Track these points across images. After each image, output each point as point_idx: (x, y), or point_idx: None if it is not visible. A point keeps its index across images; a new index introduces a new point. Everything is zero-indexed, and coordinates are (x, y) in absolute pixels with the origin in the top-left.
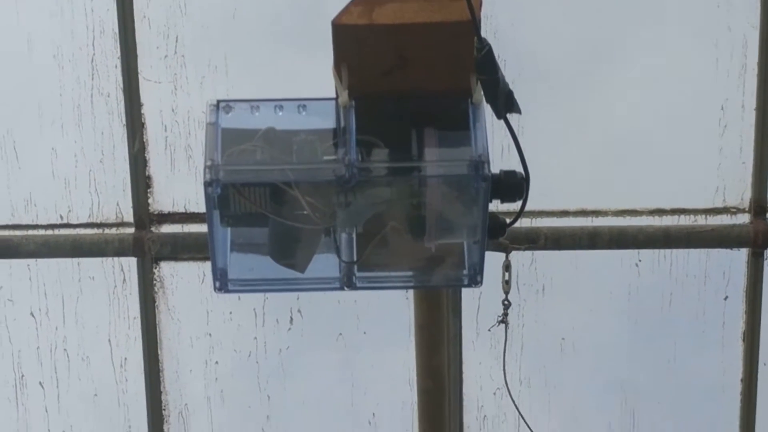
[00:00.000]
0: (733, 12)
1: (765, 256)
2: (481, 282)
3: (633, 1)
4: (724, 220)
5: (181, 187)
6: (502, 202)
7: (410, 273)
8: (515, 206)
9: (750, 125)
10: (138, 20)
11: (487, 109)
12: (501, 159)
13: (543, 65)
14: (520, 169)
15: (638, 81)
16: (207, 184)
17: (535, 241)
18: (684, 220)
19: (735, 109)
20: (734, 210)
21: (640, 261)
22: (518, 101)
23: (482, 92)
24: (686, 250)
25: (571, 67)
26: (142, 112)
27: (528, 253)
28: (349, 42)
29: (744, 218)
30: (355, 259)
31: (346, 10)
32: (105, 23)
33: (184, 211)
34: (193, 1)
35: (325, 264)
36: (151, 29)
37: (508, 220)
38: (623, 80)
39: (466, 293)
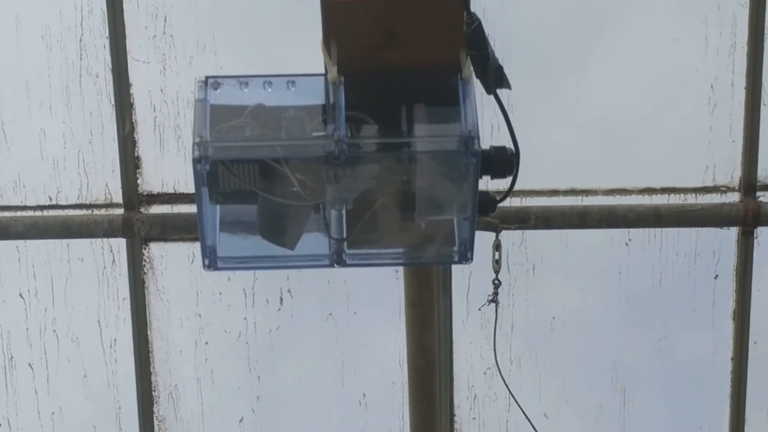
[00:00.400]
0: None
1: (755, 235)
2: (471, 258)
3: None
4: (714, 198)
5: (170, 168)
6: (492, 178)
7: (400, 250)
8: (506, 184)
9: (740, 104)
10: (126, 0)
11: (477, 85)
12: (491, 138)
13: (532, 44)
14: (510, 145)
15: (628, 60)
16: (196, 161)
17: (525, 220)
18: (674, 199)
19: (725, 87)
20: (724, 189)
21: (630, 240)
22: (508, 77)
23: (472, 68)
24: (676, 229)
25: (560, 46)
26: (131, 92)
27: (518, 232)
28: (339, 17)
29: (734, 197)
30: (344, 236)
31: None
32: (93, 3)
33: (173, 191)
34: None
35: (314, 241)
36: (140, 9)
37: (498, 197)
38: (613, 59)
39: (457, 273)
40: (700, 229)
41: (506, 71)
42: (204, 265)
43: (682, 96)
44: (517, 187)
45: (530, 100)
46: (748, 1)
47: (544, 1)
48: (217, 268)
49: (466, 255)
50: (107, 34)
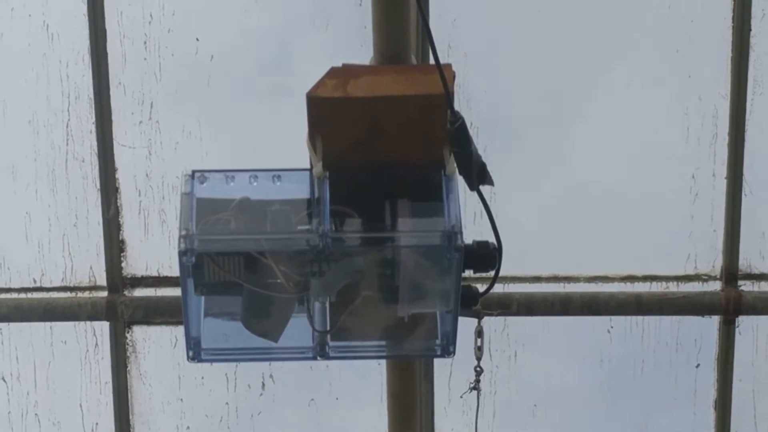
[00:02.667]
0: (703, 82)
1: (736, 324)
2: (454, 352)
3: (603, 72)
4: (696, 287)
5: (154, 251)
6: (475, 272)
7: (383, 342)
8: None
9: (721, 193)
10: (113, 86)
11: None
12: (474, 225)
13: (516, 132)
14: (492, 238)
15: (610, 149)
16: (182, 253)
17: (507, 306)
18: (656, 287)
19: (706, 177)
20: (706, 277)
21: (612, 327)
22: (491, 173)
23: (455, 164)
24: (658, 317)
25: (542, 133)
26: (117, 176)
27: (500, 318)
28: (324, 114)
29: (715, 285)
30: (328, 328)
31: (320, 83)
32: (80, 89)
33: (157, 275)
34: (168, 67)
35: (298, 333)
36: (126, 95)
37: (480, 290)
38: (595, 149)
39: (439, 359)
40: (681, 317)
41: (488, 156)
42: (188, 357)
43: (663, 184)
44: (499, 273)
45: (514, 184)
46: (729, 93)
47: (525, 88)
48: (201, 360)
49: (448, 348)
50: (94, 119)
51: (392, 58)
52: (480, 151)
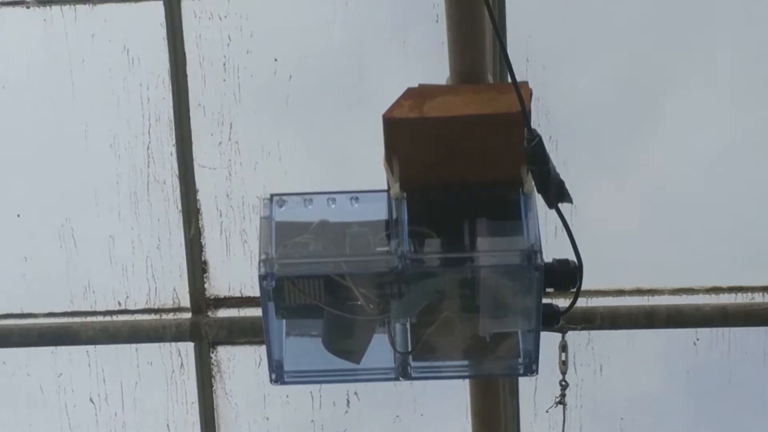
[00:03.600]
0: None
1: None
2: (536, 371)
3: (682, 81)
4: None
5: (236, 272)
6: (556, 290)
7: (465, 362)
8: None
9: None
10: (193, 108)
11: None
12: (554, 239)
13: (595, 143)
14: (572, 256)
15: (692, 159)
16: (262, 278)
17: (591, 321)
18: (741, 298)
19: None
20: None
21: (698, 339)
22: (569, 190)
23: (533, 182)
24: (745, 328)
25: (622, 144)
26: (198, 198)
27: (584, 332)
28: (401, 135)
29: None
30: (409, 349)
31: (397, 104)
32: (161, 112)
33: (240, 295)
34: (247, 88)
35: (380, 354)
36: (206, 117)
37: (562, 307)
38: (676, 159)
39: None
40: None
41: (570, 171)
42: (271, 380)
43: (747, 193)
44: (583, 288)
45: (595, 196)
46: None
47: (606, 94)
48: (284, 383)
49: (531, 367)
50: (174, 141)
51: (469, 77)
52: (558, 168)
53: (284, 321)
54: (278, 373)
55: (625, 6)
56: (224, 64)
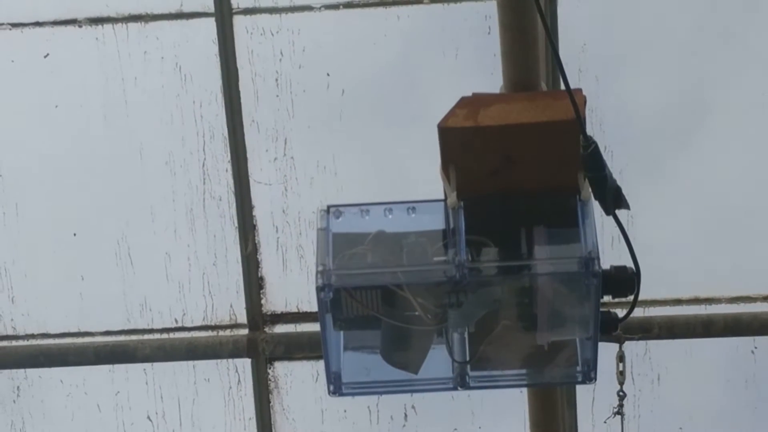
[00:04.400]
0: None
1: None
2: (595, 378)
3: (735, 89)
4: None
5: (293, 287)
6: (614, 297)
7: (523, 371)
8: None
9: None
10: (247, 124)
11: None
12: (612, 249)
13: (650, 152)
14: (630, 263)
15: (747, 166)
16: (319, 289)
17: (648, 330)
18: None
19: None
20: None
21: (756, 348)
22: (626, 197)
23: (590, 189)
24: None
25: (677, 152)
26: (254, 214)
27: (642, 342)
28: (456, 144)
29: None
30: (467, 358)
31: (451, 113)
32: (215, 128)
33: (296, 310)
34: (300, 103)
35: (437, 364)
36: (260, 133)
37: (620, 315)
38: (731, 166)
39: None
40: None
41: (626, 178)
42: (329, 391)
43: None
44: (639, 297)
45: (652, 205)
46: None
47: (658, 104)
48: (342, 394)
49: (589, 375)
50: (229, 158)
51: (522, 85)
52: (615, 175)
53: (342, 333)
54: (336, 385)
55: (678, 15)
56: (277, 80)
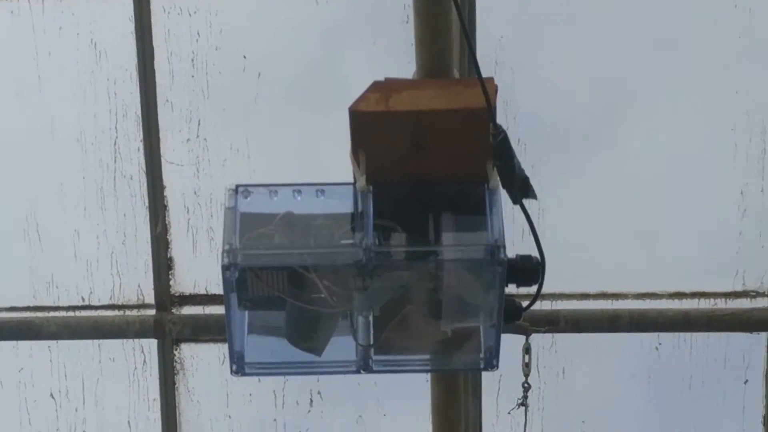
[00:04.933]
0: (752, 98)
1: None
2: (497, 366)
3: (650, 87)
4: (744, 303)
5: (202, 269)
6: (518, 286)
7: (427, 356)
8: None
9: None
10: (161, 104)
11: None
12: (521, 242)
13: (563, 148)
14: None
15: (657, 165)
16: (225, 268)
17: (555, 323)
18: (704, 304)
19: (754, 193)
20: (754, 294)
21: (660, 344)
22: (534, 187)
23: (498, 177)
24: (706, 334)
25: (589, 148)
26: (165, 194)
27: (548, 335)
28: (367, 128)
29: (764, 302)
30: (371, 342)
31: (363, 97)
32: (128, 107)
33: (205, 292)
34: (217, 84)
35: (342, 347)
36: (174, 113)
37: (524, 304)
38: (642, 164)
39: (487, 375)
40: (729, 333)
41: (537, 174)
42: (232, 371)
43: (712, 200)
44: (546, 291)
45: (562, 201)
46: None
47: (574, 102)
48: (244, 374)
49: (491, 362)
50: (141, 137)
51: (435, 72)
52: (527, 168)
53: (246, 313)
54: (239, 365)
55: (595, 11)
56: (193, 60)
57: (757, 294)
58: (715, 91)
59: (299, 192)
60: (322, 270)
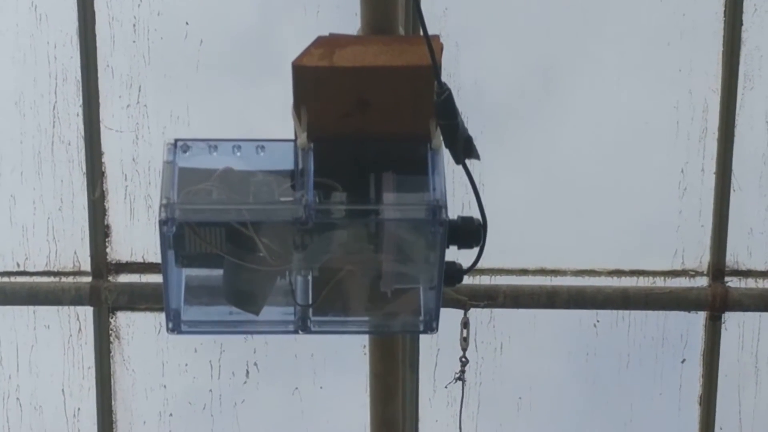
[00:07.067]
0: (694, 76)
1: (722, 320)
2: (436, 329)
3: (593, 64)
4: (683, 282)
5: (140, 237)
6: (459, 248)
7: (366, 318)
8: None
9: (709, 189)
10: (101, 69)
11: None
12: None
13: (504, 123)
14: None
15: (598, 142)
16: (162, 223)
17: (493, 298)
18: (643, 282)
19: (695, 172)
20: (693, 273)
21: (598, 321)
22: (477, 148)
23: (441, 137)
24: (644, 312)
25: (530, 125)
26: (103, 161)
27: (486, 310)
28: (309, 84)
29: (702, 281)
30: (310, 302)
31: (306, 52)
32: (68, 71)
33: (142, 260)
34: (158, 50)
35: (280, 307)
36: (114, 78)
37: (465, 268)
38: (583, 141)
39: (424, 349)
40: (668, 312)
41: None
42: (168, 329)
43: (652, 178)
44: (486, 266)
45: (502, 177)
46: (720, 87)
47: (514, 80)
48: (181, 332)
49: (431, 325)
50: (81, 102)
51: (380, 29)
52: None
53: (183, 270)
54: (175, 322)
55: None
56: (134, 26)
57: (696, 273)
58: (658, 68)
59: (239, 148)
60: (261, 227)
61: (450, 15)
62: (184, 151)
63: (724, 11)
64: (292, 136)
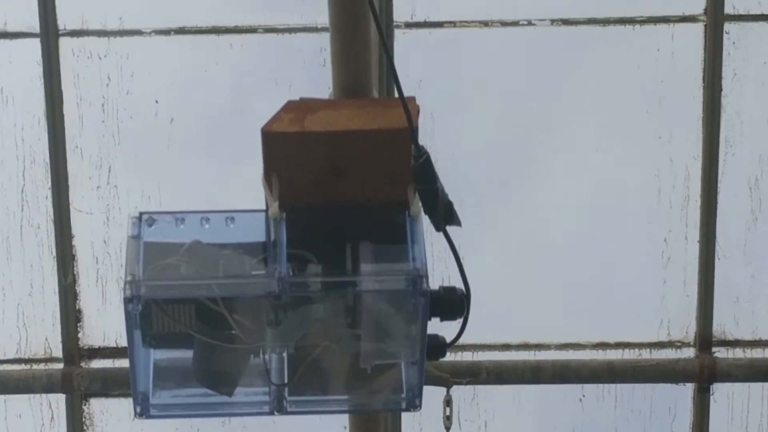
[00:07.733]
0: (674, 144)
1: (711, 392)
2: (419, 406)
3: (571, 135)
4: (669, 354)
5: (112, 321)
6: (442, 320)
7: (345, 396)
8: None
9: (693, 257)
10: (70, 150)
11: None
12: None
13: (482, 196)
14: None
15: (579, 213)
16: (127, 301)
17: (476, 375)
18: (628, 354)
19: (678, 241)
20: (679, 344)
21: (584, 396)
22: (458, 213)
23: (420, 203)
24: (631, 385)
25: (509, 198)
26: (73, 243)
27: (470, 387)
28: (280, 150)
29: (689, 352)
30: (286, 381)
31: (276, 117)
32: (36, 153)
33: (115, 345)
34: (127, 130)
35: (254, 387)
36: (84, 159)
37: (448, 341)
38: (563, 213)
39: (407, 427)
40: (655, 385)
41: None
42: (136, 413)
43: (635, 248)
44: (468, 341)
45: (484, 251)
46: (701, 154)
47: (492, 158)
48: (150, 416)
49: (414, 402)
50: (50, 184)
51: (353, 91)
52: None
53: (152, 351)
54: (144, 406)
55: (512, 58)
56: (103, 105)
57: (683, 344)
58: (637, 137)
59: (207, 220)
60: (232, 303)
61: (425, 86)
62: (150, 225)
63: (703, 77)
64: (263, 206)
